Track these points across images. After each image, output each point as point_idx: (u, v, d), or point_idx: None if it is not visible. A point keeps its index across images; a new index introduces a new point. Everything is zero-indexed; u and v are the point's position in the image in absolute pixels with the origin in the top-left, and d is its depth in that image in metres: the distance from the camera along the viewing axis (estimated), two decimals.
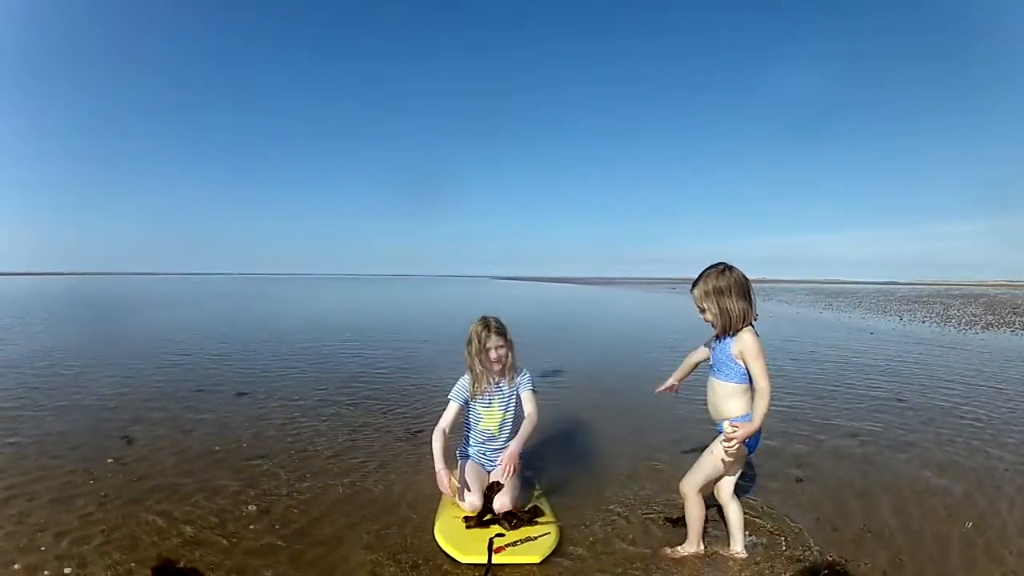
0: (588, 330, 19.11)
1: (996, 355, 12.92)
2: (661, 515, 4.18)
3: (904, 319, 23.46)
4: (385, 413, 6.97)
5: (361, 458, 5.35)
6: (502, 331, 4.29)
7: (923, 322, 21.95)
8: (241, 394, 7.90)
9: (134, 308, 28.62)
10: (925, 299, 39.07)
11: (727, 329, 3.46)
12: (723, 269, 3.51)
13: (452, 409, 4.30)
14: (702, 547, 3.64)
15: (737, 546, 3.64)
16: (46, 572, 3.31)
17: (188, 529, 3.85)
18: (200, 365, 10.27)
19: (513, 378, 4.40)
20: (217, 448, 5.54)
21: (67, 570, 3.32)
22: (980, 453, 5.72)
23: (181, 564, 3.42)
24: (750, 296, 3.47)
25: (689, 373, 4.00)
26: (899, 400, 8.01)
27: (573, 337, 16.22)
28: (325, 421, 6.57)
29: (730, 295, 3.43)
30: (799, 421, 6.82)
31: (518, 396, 4.41)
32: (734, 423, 3.41)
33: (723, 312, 3.44)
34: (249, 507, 4.23)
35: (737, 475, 3.71)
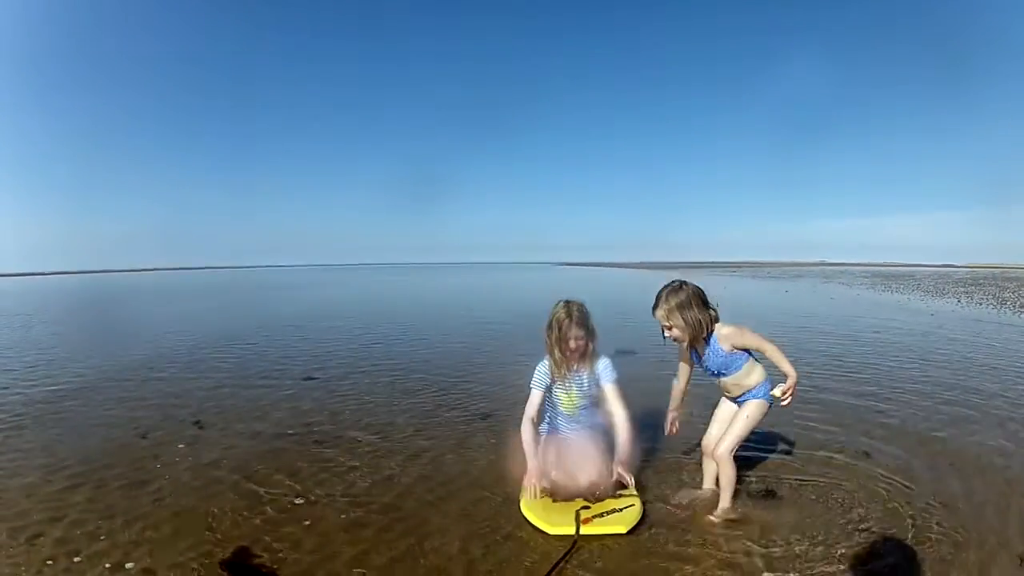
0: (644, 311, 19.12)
1: None
2: (742, 489, 4.06)
3: (962, 301, 22.84)
4: (454, 395, 6.81)
5: (438, 439, 5.20)
6: (583, 321, 4.02)
7: (979, 304, 21.39)
8: (309, 378, 7.84)
9: (177, 300, 29.11)
10: (981, 282, 38.19)
11: (696, 339, 3.72)
12: (679, 285, 3.75)
13: (536, 397, 4.07)
14: (736, 510, 3.76)
15: (726, 503, 3.75)
16: (118, 559, 3.16)
17: (269, 509, 3.73)
18: (262, 352, 10.27)
19: (593, 365, 4.11)
20: (291, 432, 5.41)
21: (140, 556, 3.18)
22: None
23: (263, 544, 3.28)
24: (708, 303, 3.72)
25: (684, 397, 4.18)
26: (961, 380, 7.62)
27: (629, 320, 16.07)
28: (396, 404, 6.42)
29: (691, 307, 3.66)
30: (864, 399, 6.63)
31: (598, 384, 4.12)
32: (782, 388, 3.66)
33: (688, 324, 3.66)
34: (328, 487, 4.11)
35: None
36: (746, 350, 3.76)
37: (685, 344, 3.81)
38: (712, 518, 3.68)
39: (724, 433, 3.84)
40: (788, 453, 4.81)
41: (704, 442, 4.05)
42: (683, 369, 4.07)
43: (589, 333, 4.01)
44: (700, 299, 3.70)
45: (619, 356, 8.49)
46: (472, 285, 39.63)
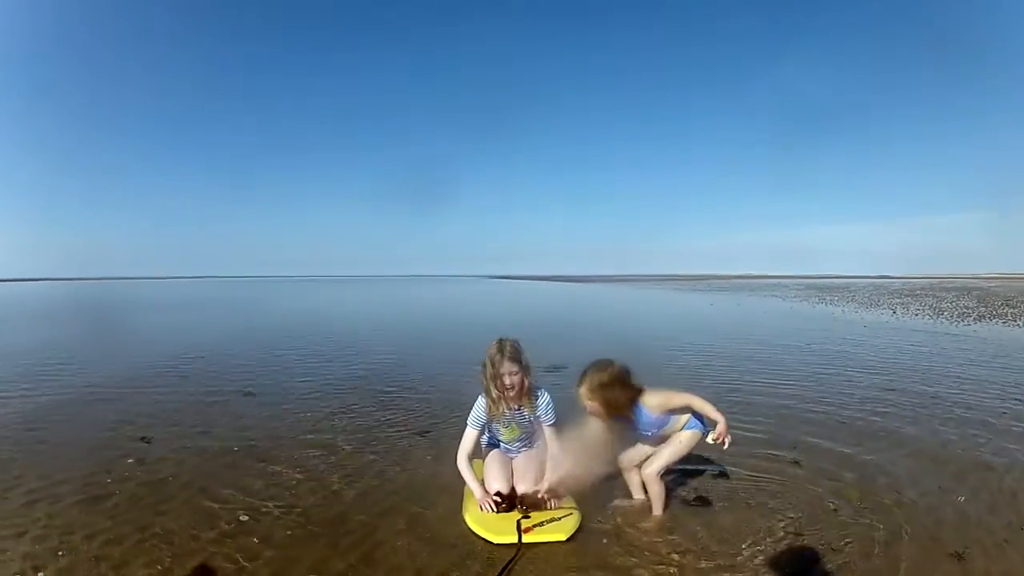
0: (587, 327, 19.56)
1: (987, 346, 13.16)
2: (676, 496, 4.39)
3: (897, 312, 23.77)
4: (391, 411, 7.04)
5: (379, 454, 5.42)
6: (517, 356, 4.20)
7: (916, 315, 22.27)
8: (248, 394, 7.97)
9: (138, 312, 28.84)
10: (918, 293, 39.66)
11: (611, 415, 3.95)
12: (604, 365, 3.96)
13: (470, 436, 4.31)
14: (669, 519, 4.05)
15: (658, 512, 4.07)
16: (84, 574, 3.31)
17: (222, 524, 3.90)
18: (203, 368, 10.28)
19: (532, 402, 4.33)
20: (235, 448, 5.56)
21: (104, 572, 3.33)
22: (968, 438, 5.92)
23: (222, 556, 3.47)
24: (630, 381, 3.97)
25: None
26: (889, 389, 8.22)
27: (574, 334, 16.35)
28: (335, 420, 6.61)
29: (612, 387, 3.90)
30: (793, 410, 7.01)
31: (538, 422, 4.37)
32: (714, 435, 3.87)
33: (607, 404, 3.89)
34: (277, 502, 4.29)
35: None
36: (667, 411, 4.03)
37: (603, 417, 3.99)
38: (647, 526, 3.94)
39: (654, 455, 4.09)
40: (719, 460, 5.08)
41: (620, 460, 4.29)
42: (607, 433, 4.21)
43: (523, 368, 4.21)
44: (623, 379, 3.94)
45: (552, 371, 8.95)
46: (411, 300, 39.99)
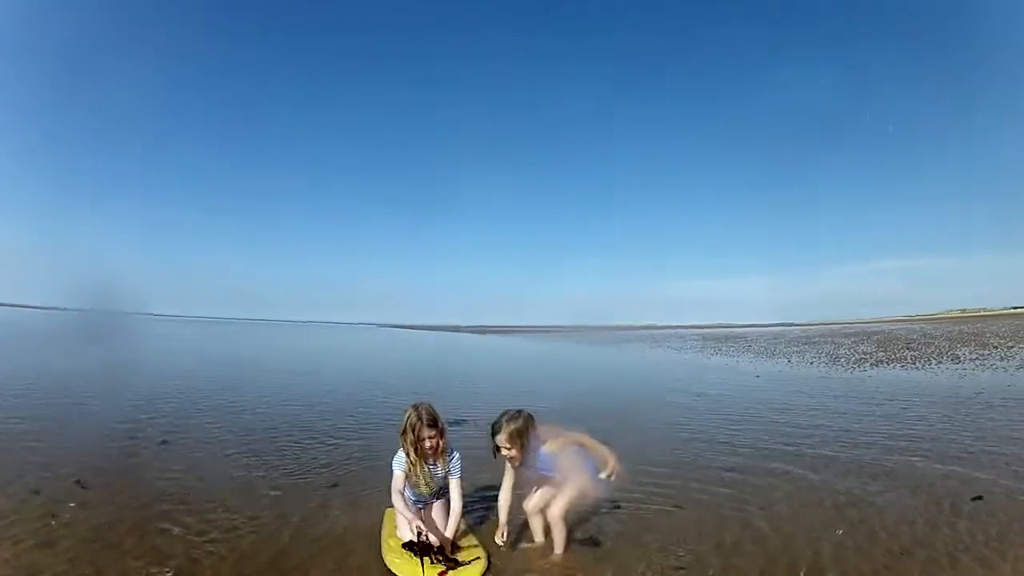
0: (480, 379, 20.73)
1: (876, 392, 14.19)
2: (577, 540, 4.97)
3: (793, 361, 24.56)
4: (304, 461, 7.58)
5: (302, 502, 5.93)
6: (434, 422, 4.78)
7: (811, 363, 23.09)
8: (164, 442, 8.28)
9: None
10: (815, 340, 40.22)
11: (523, 459, 4.67)
12: (516, 414, 4.67)
13: (399, 477, 4.83)
14: (567, 560, 4.60)
15: (559, 552, 4.66)
16: None
17: (173, 564, 4.39)
18: (118, 410, 10.71)
19: (447, 460, 4.94)
20: (171, 492, 5.99)
21: None
22: (852, 475, 6.80)
23: None
24: (536, 426, 4.68)
25: (509, 506, 4.87)
26: (774, 437, 9.09)
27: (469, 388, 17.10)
28: (254, 470, 7.03)
29: (526, 433, 4.61)
30: (678, 460, 7.74)
31: (448, 476, 4.96)
32: (606, 472, 4.67)
33: (524, 448, 4.61)
34: (217, 546, 4.78)
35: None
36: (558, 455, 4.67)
37: (517, 462, 4.69)
38: (547, 566, 4.47)
39: (556, 497, 4.63)
40: (611, 500, 5.66)
41: (526, 505, 4.84)
42: (508, 482, 4.83)
43: (440, 431, 4.84)
44: (532, 425, 4.64)
45: (452, 427, 9.45)
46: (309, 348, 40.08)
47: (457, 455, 5.00)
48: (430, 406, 4.87)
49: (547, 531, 4.78)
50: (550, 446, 4.64)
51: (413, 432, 4.75)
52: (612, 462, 4.59)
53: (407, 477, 4.90)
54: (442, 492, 5.09)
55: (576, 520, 5.25)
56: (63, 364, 19.02)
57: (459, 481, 4.93)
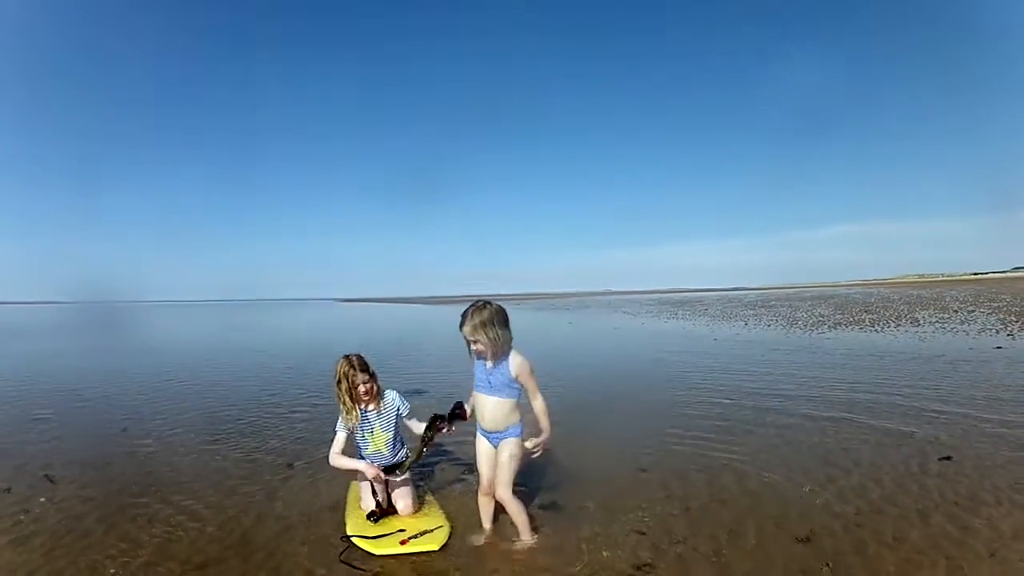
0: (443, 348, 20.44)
1: (834, 354, 14.51)
2: (537, 504, 5.09)
3: (750, 324, 24.69)
4: (269, 439, 7.70)
5: (263, 483, 6.02)
6: (366, 367, 4.94)
7: (768, 326, 23.35)
8: (124, 429, 8.34)
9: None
10: (772, 303, 40.63)
11: (496, 355, 4.26)
12: (483, 304, 4.26)
13: (341, 439, 4.98)
14: (535, 537, 4.42)
15: (526, 535, 4.40)
16: None
17: (146, 552, 4.47)
18: (83, 402, 10.71)
19: (379, 401, 5.06)
20: (135, 482, 6.04)
21: None
22: (816, 435, 7.01)
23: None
24: (508, 324, 4.30)
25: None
26: (736, 399, 9.25)
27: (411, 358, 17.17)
28: (216, 453, 7.10)
29: (493, 325, 4.19)
30: (639, 425, 7.82)
31: (396, 416, 5.12)
32: (535, 441, 4.32)
33: (491, 340, 4.18)
34: (190, 525, 4.94)
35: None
36: (520, 389, 4.33)
37: (487, 360, 4.31)
38: (515, 542, 4.38)
39: (496, 477, 4.40)
40: (565, 472, 5.81)
41: (482, 485, 4.64)
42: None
43: (372, 376, 4.99)
44: (502, 318, 4.25)
45: (411, 396, 9.45)
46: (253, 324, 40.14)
47: (393, 392, 5.17)
48: (360, 354, 5.01)
49: (494, 515, 4.67)
50: (516, 363, 4.29)
51: (347, 380, 4.88)
52: (546, 436, 4.33)
53: (353, 433, 5.04)
54: (391, 449, 5.15)
55: (537, 487, 5.40)
56: (27, 358, 18.88)
57: (410, 418, 5.16)
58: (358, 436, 5.05)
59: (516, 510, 4.38)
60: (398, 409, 5.14)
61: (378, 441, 5.07)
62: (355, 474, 5.14)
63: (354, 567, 4.16)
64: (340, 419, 4.98)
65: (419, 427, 4.95)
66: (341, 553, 4.35)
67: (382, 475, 4.87)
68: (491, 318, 4.20)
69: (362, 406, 4.99)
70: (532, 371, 4.29)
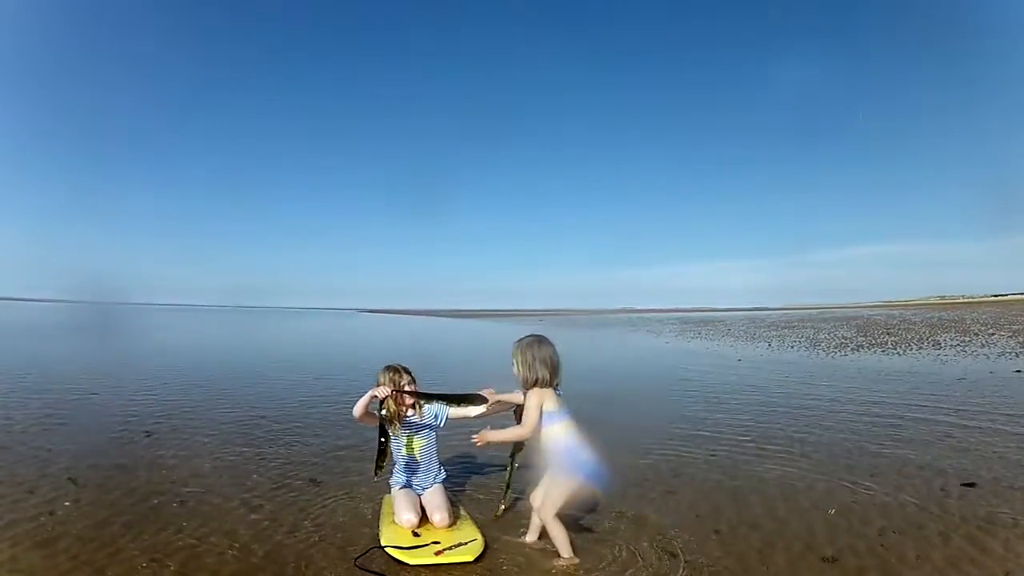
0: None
1: (858, 376, 14.39)
2: (570, 527, 4.89)
3: (773, 345, 24.81)
4: (296, 451, 7.56)
5: (295, 490, 5.98)
6: (408, 372, 5.20)
7: (792, 347, 23.39)
8: (149, 434, 8.24)
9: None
10: (795, 324, 40.73)
11: (525, 383, 4.44)
12: (535, 339, 4.50)
13: (367, 396, 5.02)
14: (575, 559, 4.36)
15: (566, 553, 4.37)
16: None
17: (174, 562, 4.35)
18: (101, 402, 10.61)
19: (420, 408, 5.20)
20: (161, 491, 5.90)
21: None
22: (841, 457, 7.02)
23: None
24: (545, 363, 4.40)
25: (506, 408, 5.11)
26: (762, 421, 9.20)
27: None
28: (247, 463, 6.98)
29: (524, 352, 4.43)
30: (666, 446, 7.74)
31: (435, 423, 5.29)
32: (485, 433, 4.45)
33: (516, 364, 4.47)
34: (218, 538, 4.78)
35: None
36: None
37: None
38: (551, 560, 4.36)
39: (545, 496, 4.42)
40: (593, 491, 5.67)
41: (531, 498, 4.64)
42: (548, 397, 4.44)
43: (414, 380, 5.22)
44: (536, 353, 4.37)
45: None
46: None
47: (436, 405, 5.30)
48: (401, 364, 5.28)
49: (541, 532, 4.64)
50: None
51: (393, 384, 5.06)
52: (489, 435, 4.45)
53: (391, 439, 5.09)
54: (427, 454, 5.28)
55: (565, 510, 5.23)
56: (50, 358, 18.83)
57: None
58: (395, 441, 5.13)
59: (555, 533, 4.39)
60: (436, 416, 5.25)
61: (414, 446, 5.18)
62: (374, 419, 5.03)
63: (371, 571, 4.18)
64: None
65: (471, 411, 5.23)
66: (357, 558, 4.35)
67: (387, 389, 4.97)
68: (526, 345, 4.46)
69: (403, 410, 5.10)
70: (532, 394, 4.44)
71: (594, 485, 4.46)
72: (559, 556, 4.36)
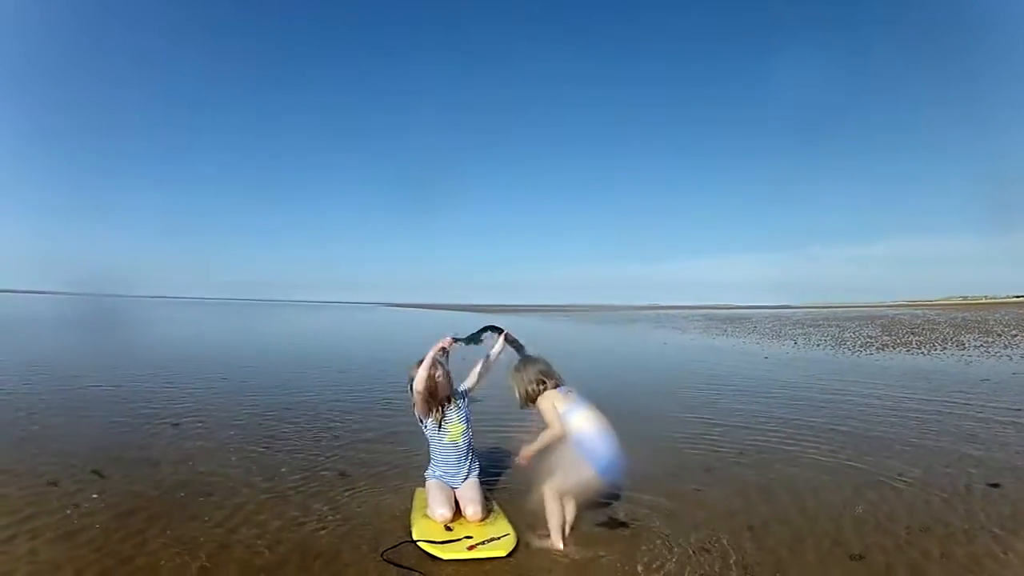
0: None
1: (883, 375, 14.27)
2: (597, 522, 4.94)
3: (799, 343, 24.41)
4: (324, 445, 7.45)
5: (323, 483, 5.91)
6: (441, 363, 5.19)
7: (817, 346, 23.26)
8: (175, 425, 8.24)
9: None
10: (820, 323, 40.49)
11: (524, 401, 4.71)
12: (525, 361, 4.87)
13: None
14: (565, 547, 4.43)
15: (556, 539, 4.45)
16: None
17: (201, 554, 4.27)
18: (122, 395, 10.51)
19: (453, 395, 5.26)
20: (187, 481, 5.87)
21: None
22: (868, 456, 6.96)
23: None
24: (539, 379, 4.64)
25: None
26: (791, 418, 9.14)
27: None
28: (273, 455, 6.92)
29: (518, 371, 4.78)
30: (697, 442, 7.72)
31: (465, 400, 5.36)
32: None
33: (512, 386, 4.79)
34: (246, 530, 4.72)
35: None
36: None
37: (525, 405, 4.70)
38: (576, 543, 4.43)
39: (555, 474, 4.44)
40: (623, 487, 5.53)
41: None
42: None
43: (446, 372, 5.24)
44: (529, 372, 4.67)
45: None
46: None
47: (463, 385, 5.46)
48: None
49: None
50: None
51: (430, 378, 5.05)
52: (527, 449, 4.67)
53: (430, 428, 5.21)
54: (466, 440, 5.27)
55: (599, 503, 5.18)
56: (70, 350, 19.11)
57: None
58: (435, 431, 5.16)
59: (551, 512, 4.43)
60: (463, 392, 5.37)
61: (455, 432, 5.17)
62: (435, 369, 5.09)
63: (401, 566, 4.13)
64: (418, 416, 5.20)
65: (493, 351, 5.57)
66: (384, 551, 4.32)
67: (450, 341, 5.16)
68: (519, 366, 4.84)
69: (439, 405, 5.17)
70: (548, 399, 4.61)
71: (608, 479, 4.45)
72: (548, 536, 4.45)
